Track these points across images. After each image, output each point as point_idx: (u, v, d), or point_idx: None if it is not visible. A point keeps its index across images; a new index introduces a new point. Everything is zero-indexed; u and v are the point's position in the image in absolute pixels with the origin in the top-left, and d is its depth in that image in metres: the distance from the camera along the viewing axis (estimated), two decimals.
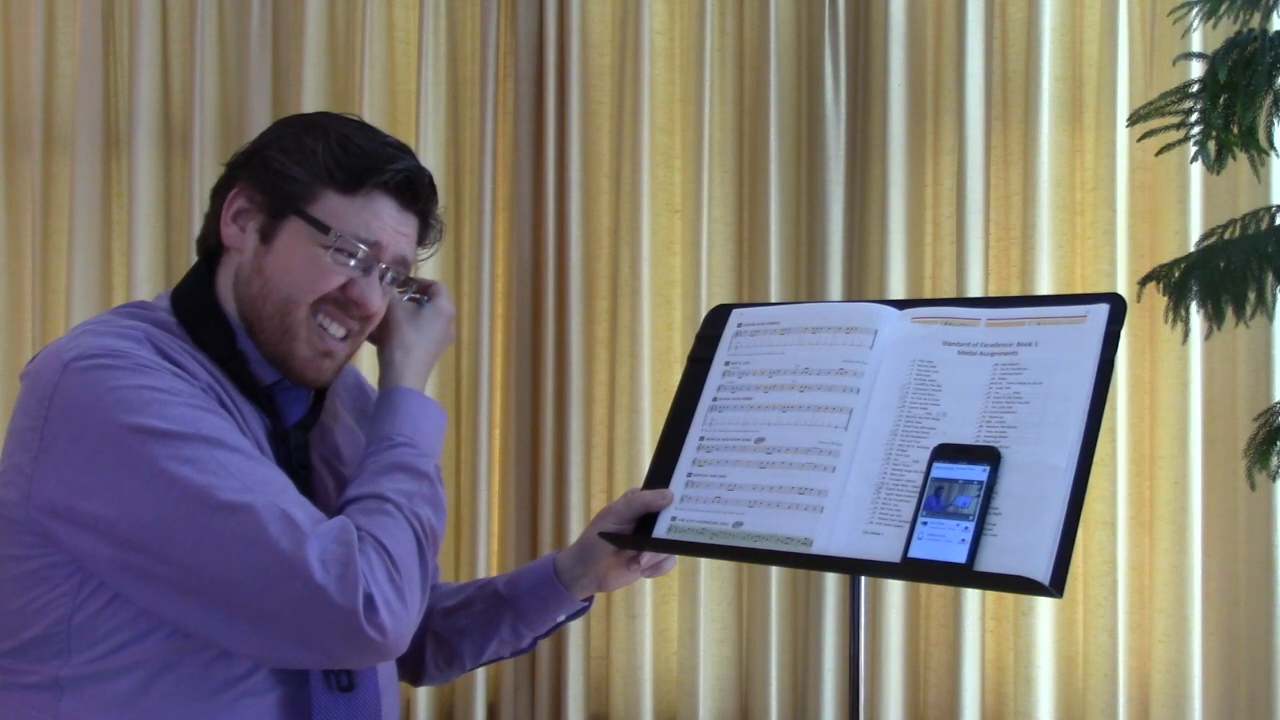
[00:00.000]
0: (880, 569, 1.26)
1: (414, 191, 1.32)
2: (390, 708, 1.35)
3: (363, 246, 1.28)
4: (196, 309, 1.30)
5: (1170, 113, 1.98)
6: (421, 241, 1.39)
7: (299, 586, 1.12)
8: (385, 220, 1.30)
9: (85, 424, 1.16)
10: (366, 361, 2.93)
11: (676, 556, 1.49)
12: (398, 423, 1.31)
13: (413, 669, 1.53)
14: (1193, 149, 1.94)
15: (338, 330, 1.31)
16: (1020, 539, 1.17)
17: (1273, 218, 2.03)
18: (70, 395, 1.17)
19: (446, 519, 1.30)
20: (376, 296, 1.31)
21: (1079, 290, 2.69)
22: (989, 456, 1.22)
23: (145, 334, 1.23)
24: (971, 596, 2.71)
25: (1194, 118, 1.93)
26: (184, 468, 1.13)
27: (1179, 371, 2.62)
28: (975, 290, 2.71)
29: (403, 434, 1.30)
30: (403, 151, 1.33)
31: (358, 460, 1.38)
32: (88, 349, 1.18)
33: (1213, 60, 1.88)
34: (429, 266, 2.97)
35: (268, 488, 1.16)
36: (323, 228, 1.27)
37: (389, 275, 1.33)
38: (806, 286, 2.88)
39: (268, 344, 1.30)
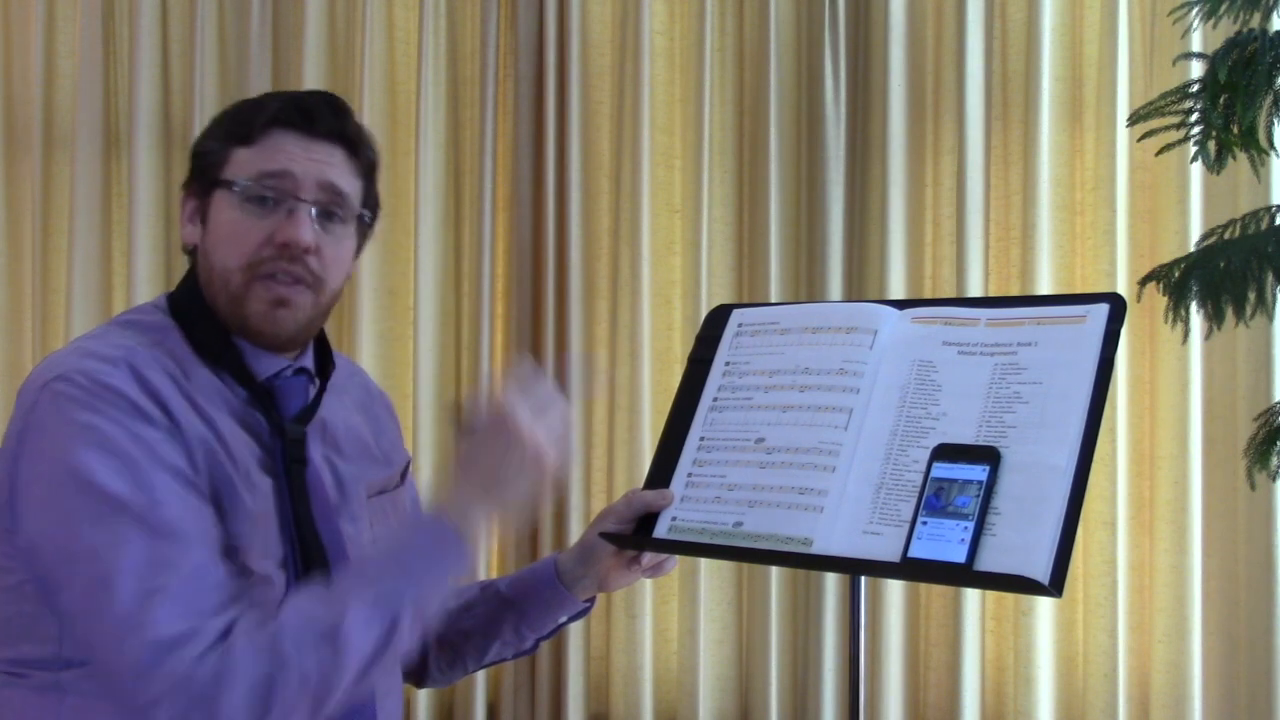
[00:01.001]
0: (880, 569, 1.26)
1: (309, 114, 1.29)
2: (391, 712, 1.35)
3: (263, 185, 1.26)
4: (190, 311, 1.30)
5: (1170, 113, 1.98)
6: (368, 175, 1.35)
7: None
8: (290, 150, 1.27)
9: (43, 449, 1.17)
10: (368, 361, 2.94)
11: (677, 557, 1.49)
12: (393, 565, 1.19)
13: (416, 671, 1.53)
14: (1193, 149, 1.94)
15: (285, 277, 1.28)
16: (1020, 539, 1.17)
17: (1273, 218, 2.03)
18: (40, 415, 1.18)
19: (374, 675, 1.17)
20: (303, 230, 1.26)
21: (1079, 290, 2.69)
22: (989, 456, 1.22)
23: (127, 356, 1.21)
24: (971, 596, 2.71)
25: (1194, 118, 1.93)
26: (97, 533, 1.12)
27: (1179, 371, 2.62)
28: (975, 290, 2.71)
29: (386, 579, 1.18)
30: (299, 93, 1.33)
31: (359, 459, 1.38)
32: (67, 370, 1.18)
33: (1213, 60, 1.88)
34: (430, 265, 2.98)
35: (162, 576, 1.12)
36: (228, 183, 1.27)
37: (330, 213, 1.29)
38: (806, 286, 2.88)
39: (229, 316, 1.28)
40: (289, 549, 1.26)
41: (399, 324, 3.08)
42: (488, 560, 2.96)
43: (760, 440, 1.37)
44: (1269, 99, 1.87)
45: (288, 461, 1.28)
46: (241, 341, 1.30)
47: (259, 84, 3.04)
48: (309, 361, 1.37)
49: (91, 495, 1.13)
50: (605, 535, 1.40)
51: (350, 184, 1.32)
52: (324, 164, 1.29)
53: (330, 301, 1.34)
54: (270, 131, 1.28)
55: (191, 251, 1.33)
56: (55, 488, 1.15)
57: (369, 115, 2.98)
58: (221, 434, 1.24)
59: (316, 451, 1.34)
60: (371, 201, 1.37)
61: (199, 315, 1.29)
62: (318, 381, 1.38)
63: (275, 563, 1.24)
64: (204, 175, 1.30)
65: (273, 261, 1.27)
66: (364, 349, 2.98)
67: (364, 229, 1.36)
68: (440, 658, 1.51)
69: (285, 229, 1.26)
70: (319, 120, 1.29)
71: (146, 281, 3.03)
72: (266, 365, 1.31)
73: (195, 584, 1.13)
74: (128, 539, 1.12)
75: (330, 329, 3.19)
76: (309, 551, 1.26)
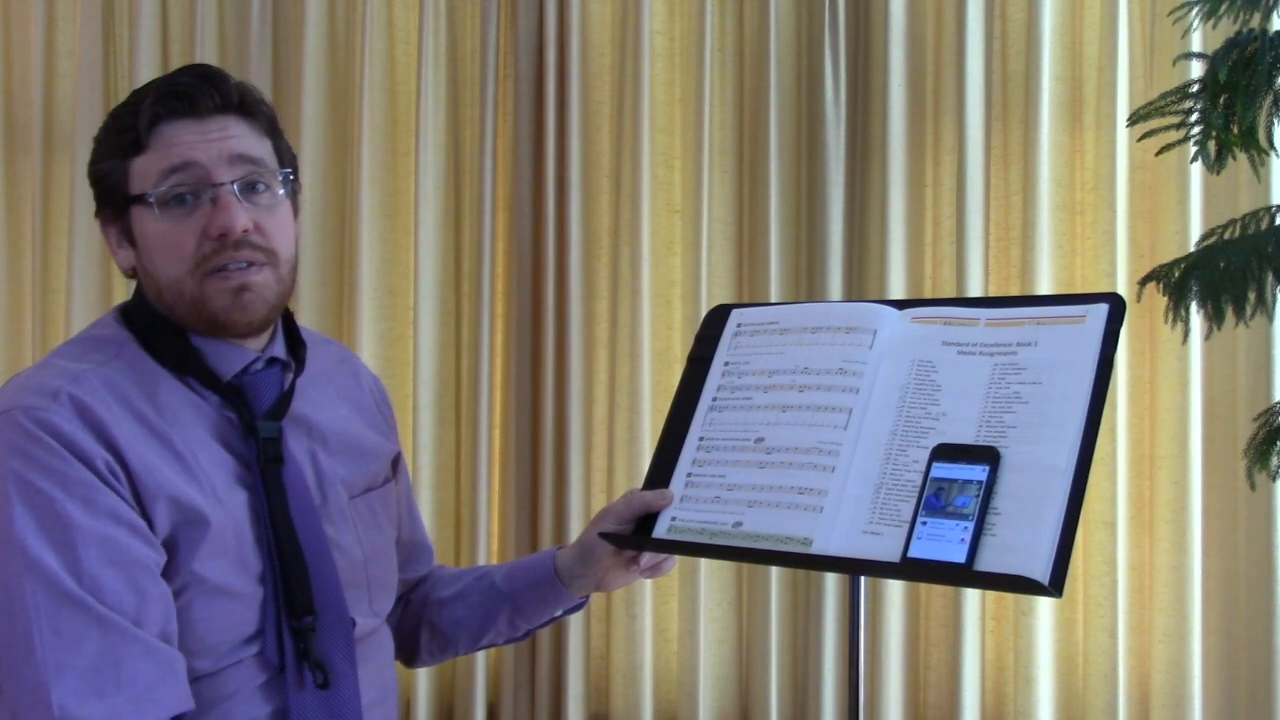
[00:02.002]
0: (880, 569, 1.26)
1: (189, 96, 1.23)
2: (388, 717, 1.35)
3: (174, 185, 1.22)
4: (143, 321, 1.28)
5: (1170, 113, 1.98)
6: (273, 132, 1.30)
7: None
8: (186, 139, 1.23)
9: None
10: (368, 361, 2.93)
11: (676, 557, 1.49)
12: None
13: (407, 653, 1.55)
14: (1193, 149, 1.94)
15: (238, 265, 1.24)
16: (1020, 539, 1.17)
17: (1273, 218, 2.03)
18: None
19: None
20: (234, 215, 1.22)
21: (1079, 290, 2.69)
22: (988, 456, 1.22)
23: (71, 386, 1.18)
24: (971, 596, 2.71)
25: (1194, 118, 1.93)
26: (12, 588, 1.12)
27: (1179, 371, 2.62)
28: (975, 290, 2.71)
29: None
30: (169, 77, 1.27)
31: (343, 453, 1.36)
32: (11, 407, 1.16)
33: (1213, 60, 1.88)
34: (430, 265, 2.98)
35: (69, 655, 1.11)
36: (140, 197, 1.24)
37: (252, 184, 1.25)
38: (806, 286, 2.88)
39: (194, 322, 1.25)
40: (267, 561, 1.23)
41: (399, 324, 3.08)
42: (487, 559, 2.96)
43: (760, 440, 1.37)
44: (1269, 99, 1.87)
45: (263, 462, 1.25)
46: (202, 342, 1.27)
47: (259, 84, 3.01)
48: (279, 349, 1.33)
49: (12, 548, 1.12)
50: (604, 535, 1.40)
51: (259, 147, 1.27)
52: (224, 139, 1.24)
53: (291, 272, 1.30)
54: (158, 129, 1.23)
55: (133, 274, 1.31)
56: None
57: (369, 115, 2.99)
58: (183, 453, 1.21)
59: (299, 446, 1.31)
60: (288, 158, 1.32)
61: (154, 324, 1.27)
62: (294, 366, 1.34)
63: (254, 577, 1.22)
64: (112, 197, 1.27)
65: (216, 255, 1.23)
66: (364, 349, 2.98)
67: (292, 187, 1.31)
68: (432, 643, 1.52)
69: (216, 219, 1.22)
70: (200, 98, 1.24)
71: None
72: (234, 362, 1.28)
73: (97, 672, 1.11)
74: (36, 605, 1.11)
75: (330, 329, 3.19)
76: (288, 562, 1.23)
